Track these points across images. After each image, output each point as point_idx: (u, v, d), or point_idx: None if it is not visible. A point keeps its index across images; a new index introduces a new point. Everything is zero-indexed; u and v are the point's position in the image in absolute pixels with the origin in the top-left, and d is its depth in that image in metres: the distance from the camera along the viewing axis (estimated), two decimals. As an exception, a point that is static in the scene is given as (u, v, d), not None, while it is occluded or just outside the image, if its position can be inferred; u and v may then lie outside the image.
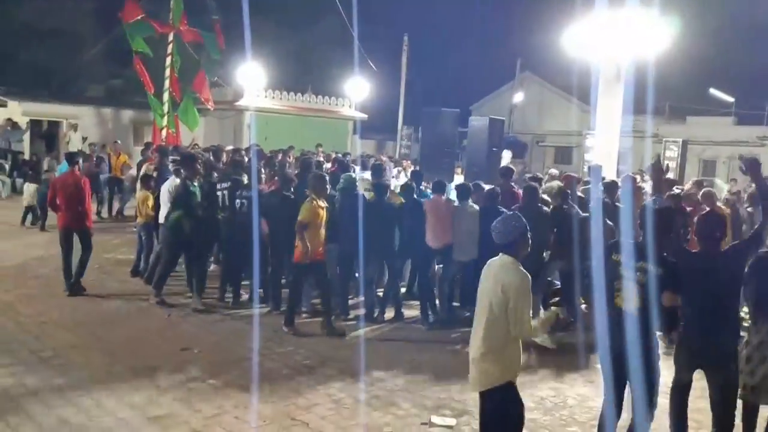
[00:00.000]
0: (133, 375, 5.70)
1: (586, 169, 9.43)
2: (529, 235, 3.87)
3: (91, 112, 21.56)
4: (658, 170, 6.75)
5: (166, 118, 15.90)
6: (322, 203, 7.14)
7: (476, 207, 7.73)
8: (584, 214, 7.48)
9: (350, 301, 8.23)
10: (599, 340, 4.29)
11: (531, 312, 3.82)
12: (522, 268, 3.78)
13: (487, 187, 8.36)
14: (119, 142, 16.82)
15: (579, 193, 8.32)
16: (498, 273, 3.77)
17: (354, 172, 10.19)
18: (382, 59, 24.80)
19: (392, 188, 9.08)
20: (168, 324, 7.32)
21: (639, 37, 12.32)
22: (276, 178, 9.04)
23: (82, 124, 19.96)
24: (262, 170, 10.02)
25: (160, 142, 14.96)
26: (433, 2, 43.96)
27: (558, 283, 8.19)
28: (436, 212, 7.70)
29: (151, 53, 15.76)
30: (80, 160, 8.80)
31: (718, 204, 8.52)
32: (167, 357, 6.17)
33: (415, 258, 8.00)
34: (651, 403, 4.14)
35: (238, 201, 8.07)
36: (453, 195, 8.39)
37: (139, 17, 15.20)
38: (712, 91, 30.28)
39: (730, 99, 30.23)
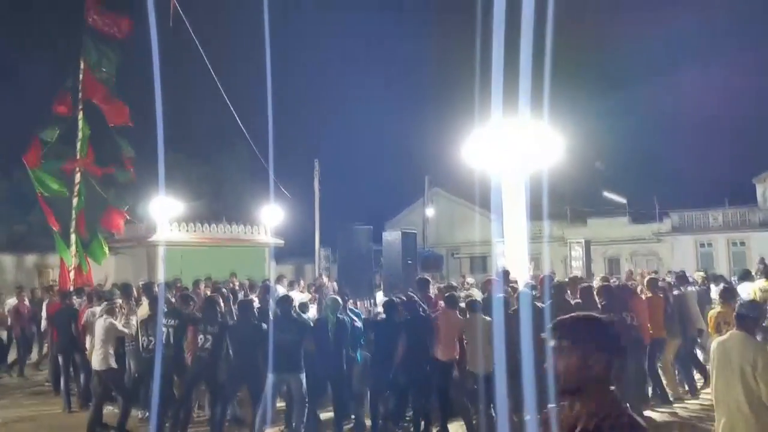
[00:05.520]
0: None
1: (495, 275, 9.80)
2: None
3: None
4: None
5: (75, 258, 15.38)
6: None
7: (488, 318, 7.76)
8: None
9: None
10: None
11: None
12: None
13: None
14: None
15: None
16: (742, 346, 4.48)
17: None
18: (294, 184, 25.32)
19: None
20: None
21: (535, 149, 13.27)
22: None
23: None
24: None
25: (69, 282, 14.39)
26: (341, 126, 45.95)
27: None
28: (447, 325, 7.79)
29: (64, 191, 15.37)
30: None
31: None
32: None
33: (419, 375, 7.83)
34: None
35: (201, 336, 7.78)
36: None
37: (42, 162, 15.04)
38: (606, 193, 32.52)
39: (623, 200, 32.52)
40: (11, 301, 12.96)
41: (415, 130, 45.31)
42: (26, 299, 13.03)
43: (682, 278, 10.73)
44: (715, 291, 11.42)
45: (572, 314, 2.44)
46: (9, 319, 12.71)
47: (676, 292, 9.86)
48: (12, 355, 12.82)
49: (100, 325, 8.22)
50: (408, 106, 56.11)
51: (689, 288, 10.69)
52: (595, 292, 8.44)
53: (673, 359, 9.42)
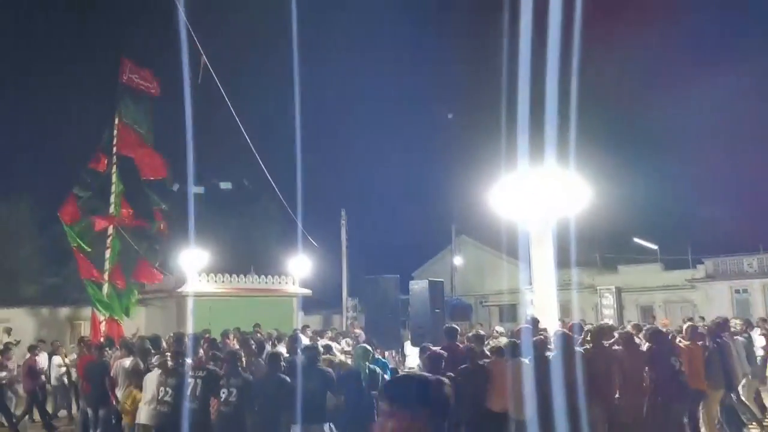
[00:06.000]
0: None
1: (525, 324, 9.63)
2: None
3: (24, 313, 20.90)
4: None
5: (108, 311, 15.57)
6: None
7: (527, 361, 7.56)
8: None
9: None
10: None
11: None
12: None
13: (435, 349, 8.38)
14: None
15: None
16: None
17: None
18: (322, 234, 25.48)
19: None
20: None
21: (562, 197, 13.22)
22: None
23: (13, 325, 19.24)
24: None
25: (101, 335, 14.51)
26: (368, 176, 46.35)
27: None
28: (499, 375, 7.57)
29: (88, 248, 15.74)
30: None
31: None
32: None
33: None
34: None
35: (224, 391, 7.64)
36: (411, 360, 8.32)
37: (77, 219, 15.43)
38: (636, 239, 32.03)
39: (654, 246, 31.98)
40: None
41: (441, 179, 45.59)
42: (38, 357, 13.03)
43: (722, 326, 10.25)
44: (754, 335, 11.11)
45: (402, 375, 2.31)
46: (20, 376, 12.84)
47: (718, 340, 9.52)
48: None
49: (153, 379, 8.23)
50: (434, 156, 56.56)
51: (733, 337, 10.30)
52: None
53: (717, 412, 9.07)
